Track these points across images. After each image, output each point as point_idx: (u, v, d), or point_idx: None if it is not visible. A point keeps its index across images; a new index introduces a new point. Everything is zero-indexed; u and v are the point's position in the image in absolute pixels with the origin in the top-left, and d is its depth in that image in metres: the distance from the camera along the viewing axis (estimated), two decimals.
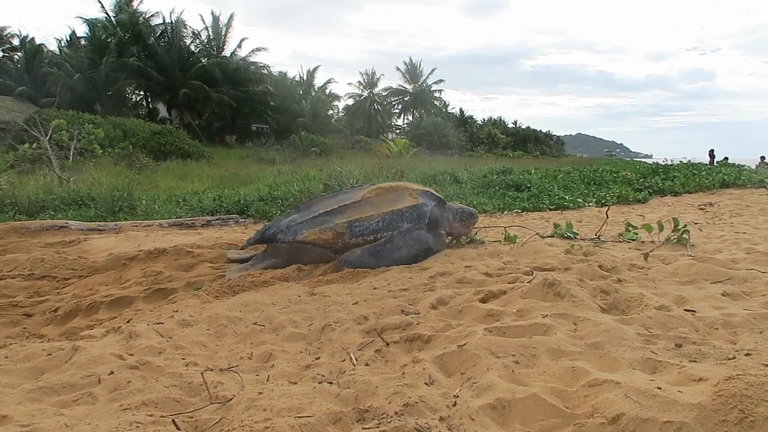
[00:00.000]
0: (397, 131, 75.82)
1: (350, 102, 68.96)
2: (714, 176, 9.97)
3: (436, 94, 72.47)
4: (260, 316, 2.76)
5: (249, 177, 17.27)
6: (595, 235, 4.31)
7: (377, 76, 67.48)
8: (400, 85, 71.33)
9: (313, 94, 55.30)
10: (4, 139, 34.88)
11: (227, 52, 46.19)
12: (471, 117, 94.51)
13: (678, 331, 2.16)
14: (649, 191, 9.01)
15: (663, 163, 13.14)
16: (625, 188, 9.23)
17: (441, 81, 71.71)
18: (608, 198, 8.30)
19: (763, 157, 28.40)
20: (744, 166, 14.08)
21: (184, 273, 4.11)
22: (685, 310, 2.44)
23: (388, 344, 2.22)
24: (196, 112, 47.37)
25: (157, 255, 4.40)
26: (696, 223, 5.51)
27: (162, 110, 47.04)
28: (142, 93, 45.54)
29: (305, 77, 56.06)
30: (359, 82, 67.91)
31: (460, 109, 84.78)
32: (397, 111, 75.61)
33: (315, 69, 57.89)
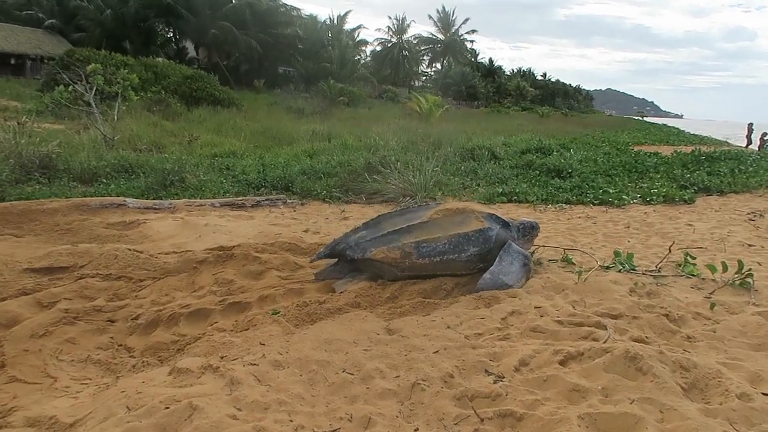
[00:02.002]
0: (423, 78, 74.71)
1: (378, 48, 67.70)
2: (762, 175, 9.79)
3: (468, 45, 70.71)
4: (347, 361, 2.91)
5: (282, 134, 17.31)
6: (656, 267, 4.35)
7: (407, 23, 65.77)
8: (431, 34, 69.80)
9: (343, 40, 54.22)
10: (36, 73, 35.02)
11: None
12: (500, 67, 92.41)
13: (761, 428, 2.26)
14: (694, 189, 8.91)
15: (707, 151, 12.85)
16: (669, 185, 9.13)
17: (474, 31, 69.89)
18: (654, 196, 8.24)
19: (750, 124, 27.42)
20: None
21: (254, 282, 4.28)
22: (763, 393, 2.53)
23: (482, 420, 2.36)
24: (224, 52, 46.99)
25: (225, 259, 4.56)
26: (750, 246, 5.50)
27: (190, 50, 46.70)
28: (171, 32, 45.09)
29: (335, 21, 54.79)
30: (388, 27, 66.44)
31: (489, 59, 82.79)
32: (426, 59, 74.17)
33: (346, 14, 56.62)
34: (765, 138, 27.61)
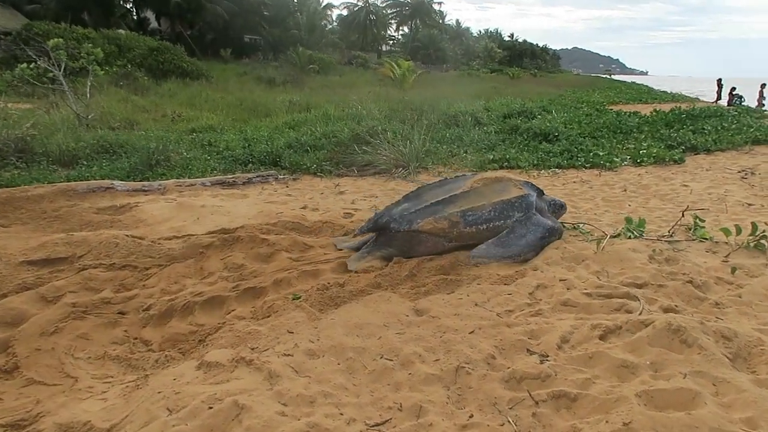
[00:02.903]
0: (391, 42, 73.66)
1: (344, 13, 66.29)
2: (745, 132, 9.91)
3: (436, 6, 69.73)
4: (382, 346, 2.83)
5: (258, 106, 16.91)
6: (669, 232, 4.35)
7: None
8: None
9: (310, 5, 52.83)
10: None
11: None
12: (467, 29, 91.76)
13: None
14: (682, 148, 8.98)
15: (686, 109, 12.96)
16: (658, 145, 9.18)
17: None
18: (644, 157, 8.27)
19: (763, 85, 28.14)
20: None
21: (265, 265, 4.15)
22: None
23: (537, 403, 2.32)
24: (187, 22, 45.43)
25: (231, 242, 4.41)
26: (750, 205, 5.56)
27: (152, 20, 45.03)
28: (130, 2, 43.32)
29: None
30: None
31: (456, 21, 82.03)
32: (394, 23, 73.09)
33: None
34: (734, 93, 28.05)
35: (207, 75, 26.00)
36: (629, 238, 4.28)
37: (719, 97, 30.09)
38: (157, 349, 3.33)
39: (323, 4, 58.54)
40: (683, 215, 4.45)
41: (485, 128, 11.71)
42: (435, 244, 4.04)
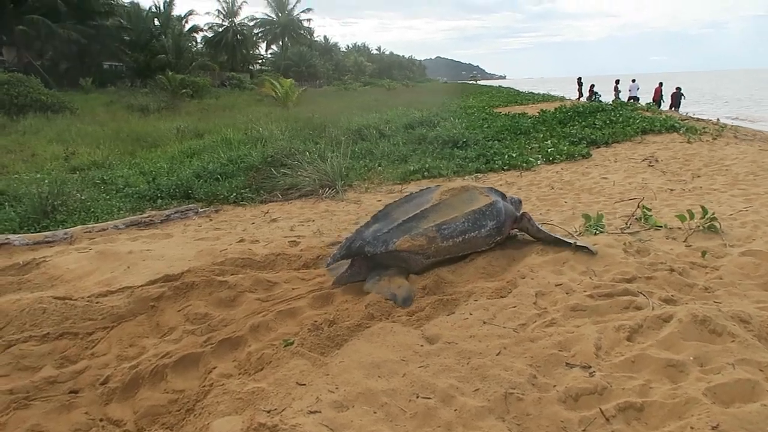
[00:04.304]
0: (260, 61, 72.59)
1: (210, 34, 64.24)
2: (632, 124, 10.76)
3: (305, 23, 69.84)
4: (412, 384, 2.58)
5: (141, 135, 15.76)
6: (627, 224, 4.49)
7: (238, 4, 63.12)
8: (266, 14, 67.58)
9: (175, 27, 50.61)
10: None
11: None
12: (336, 44, 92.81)
13: None
14: (584, 143, 9.53)
15: (571, 107, 13.87)
16: (562, 142, 9.68)
17: (309, 9, 69.11)
18: (556, 155, 8.66)
19: (617, 81, 31.07)
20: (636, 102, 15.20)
21: (232, 311, 3.72)
22: None
23: (608, 419, 2.20)
24: (35, 51, 41.63)
25: (185, 290, 3.91)
26: (672, 190, 5.94)
27: None
28: None
29: (162, 8, 50.84)
30: (218, 11, 63.27)
31: (324, 37, 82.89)
32: (263, 42, 72.15)
33: None
34: (593, 89, 30.72)
35: (71, 107, 23.89)
36: (594, 234, 4.36)
37: (581, 95, 32.81)
38: (134, 428, 2.82)
39: (189, 27, 56.33)
40: (639, 207, 4.61)
41: (391, 140, 11.72)
42: (414, 262, 3.88)
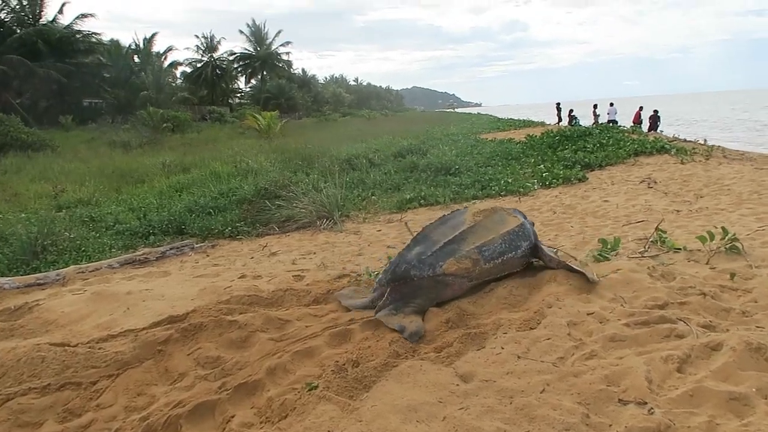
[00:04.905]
0: (239, 95, 72.75)
1: (188, 70, 64.31)
2: (624, 147, 10.82)
3: (284, 56, 70.39)
4: (454, 428, 2.39)
5: (125, 171, 15.49)
6: (644, 247, 4.39)
7: (217, 40, 63.44)
8: (245, 49, 67.99)
9: (155, 64, 50.62)
10: None
11: (47, 19, 40.32)
12: (314, 76, 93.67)
13: None
14: (579, 167, 9.52)
15: (558, 131, 13.95)
16: (556, 166, 9.66)
17: (288, 43, 69.78)
18: (553, 180, 8.62)
19: (595, 105, 31.59)
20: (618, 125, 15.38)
21: (245, 353, 3.50)
22: None
23: None
24: (14, 90, 41.24)
25: (193, 331, 3.69)
26: (678, 211, 5.88)
27: None
28: None
29: (142, 45, 50.92)
30: (197, 47, 63.47)
31: (303, 69, 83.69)
32: (242, 75, 72.49)
33: (152, 36, 52.86)
34: (572, 114, 31.18)
35: (52, 145, 23.55)
36: (608, 259, 4.24)
37: (560, 119, 33.28)
38: None
39: (169, 62, 56.45)
40: (657, 230, 4.51)
41: (382, 168, 11.64)
42: (459, 285, 3.78)
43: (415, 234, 3.99)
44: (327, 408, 2.72)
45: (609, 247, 4.40)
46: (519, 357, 2.98)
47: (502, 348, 3.10)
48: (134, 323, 4.08)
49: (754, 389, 2.35)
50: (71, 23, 42.53)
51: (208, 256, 6.44)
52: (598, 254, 4.40)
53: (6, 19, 38.74)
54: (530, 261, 4.07)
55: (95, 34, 44.94)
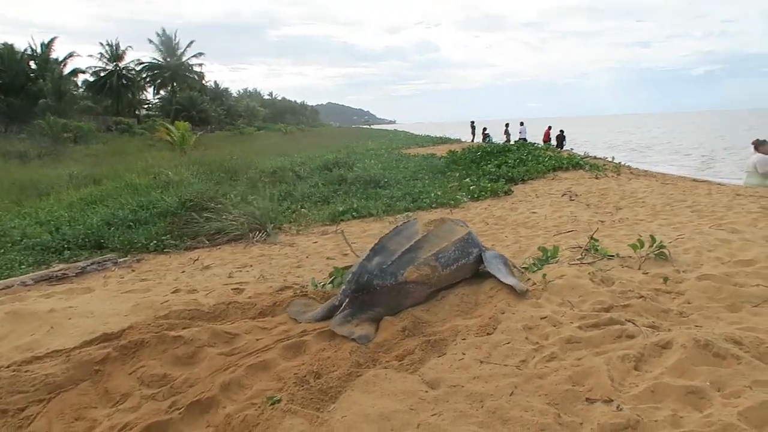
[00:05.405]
0: (147, 106, 69.85)
1: (91, 78, 60.90)
2: (542, 162, 11.36)
3: (197, 68, 68.37)
4: None
5: (26, 183, 14.35)
6: (582, 255, 4.60)
7: (123, 48, 60.56)
8: (154, 59, 65.39)
9: (54, 70, 47.46)
10: None
11: None
12: (227, 89, 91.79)
13: None
14: (503, 180, 9.88)
15: (477, 147, 14.43)
16: (483, 179, 9.97)
17: (201, 54, 67.85)
18: (481, 192, 8.88)
19: (507, 124, 33.00)
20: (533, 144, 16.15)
21: (194, 369, 3.29)
22: None
23: None
24: None
25: (134, 349, 3.44)
26: (603, 222, 6.22)
27: None
28: None
29: (40, 50, 47.65)
30: (101, 54, 60.30)
31: (215, 82, 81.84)
32: (151, 86, 69.67)
33: (51, 41, 49.56)
34: (485, 132, 32.42)
35: None
36: (546, 265, 4.41)
37: (474, 137, 34.50)
38: None
39: (69, 69, 53.13)
40: (591, 238, 4.74)
41: (309, 181, 11.53)
42: (420, 293, 3.83)
43: (372, 245, 3.97)
44: (294, 422, 2.61)
45: (549, 254, 4.57)
46: (482, 362, 3.01)
47: (464, 354, 3.12)
48: (62, 343, 3.74)
49: (708, 383, 2.50)
50: None
51: (133, 270, 6.05)
52: (544, 259, 4.58)
53: None
54: (481, 266, 4.18)
55: None
